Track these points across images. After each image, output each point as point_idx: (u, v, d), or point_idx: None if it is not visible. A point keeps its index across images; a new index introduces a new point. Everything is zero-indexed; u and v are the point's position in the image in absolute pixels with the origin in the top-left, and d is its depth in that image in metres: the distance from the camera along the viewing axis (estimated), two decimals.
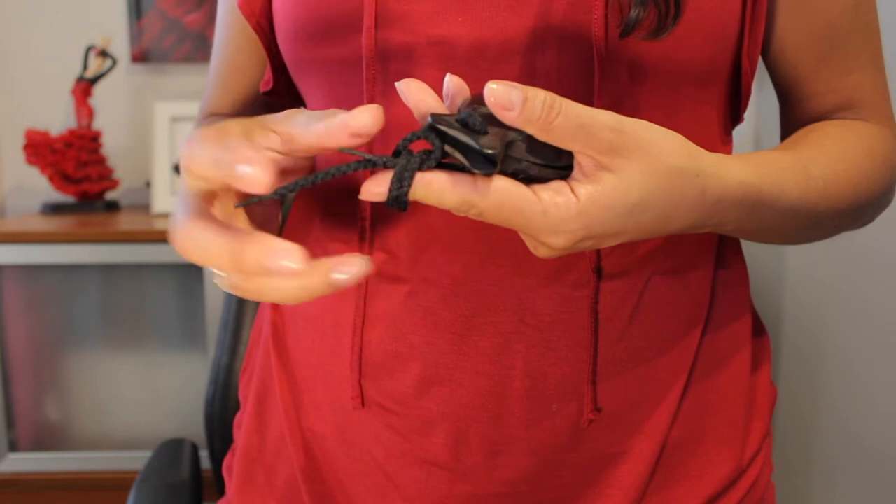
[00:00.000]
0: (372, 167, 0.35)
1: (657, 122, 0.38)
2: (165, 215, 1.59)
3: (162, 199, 1.62)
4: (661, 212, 0.37)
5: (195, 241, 0.37)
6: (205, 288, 1.42)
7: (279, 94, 0.58)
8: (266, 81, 0.57)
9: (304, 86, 0.52)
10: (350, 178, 0.49)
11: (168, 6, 1.75)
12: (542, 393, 0.48)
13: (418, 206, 0.45)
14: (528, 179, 0.36)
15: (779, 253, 1.30)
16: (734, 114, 0.53)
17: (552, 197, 0.35)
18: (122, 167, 1.76)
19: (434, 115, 0.34)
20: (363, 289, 0.50)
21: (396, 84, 0.36)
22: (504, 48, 0.44)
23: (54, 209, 1.64)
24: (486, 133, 0.33)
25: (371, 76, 0.46)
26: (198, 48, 1.76)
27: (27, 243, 1.39)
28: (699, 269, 0.52)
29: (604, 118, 0.35)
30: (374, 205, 0.49)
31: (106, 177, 1.68)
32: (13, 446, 1.48)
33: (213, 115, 0.61)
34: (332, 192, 0.52)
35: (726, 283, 0.54)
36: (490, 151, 0.33)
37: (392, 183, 0.34)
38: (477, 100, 0.36)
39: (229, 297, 0.90)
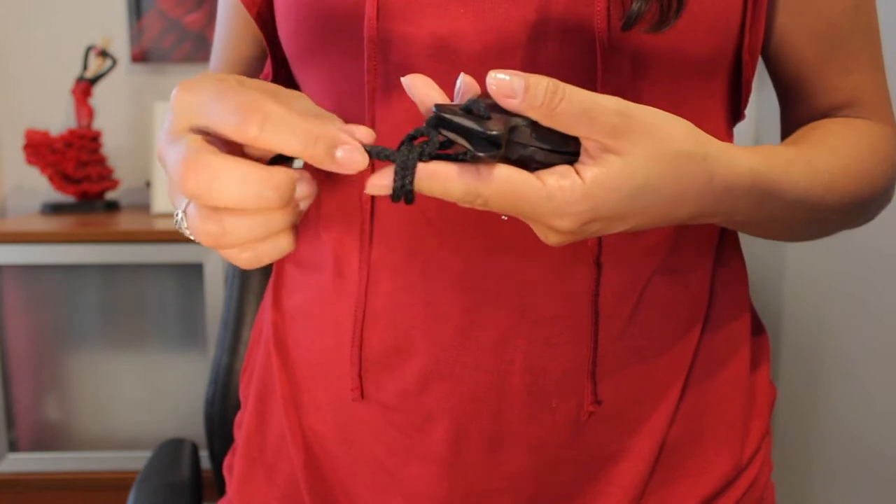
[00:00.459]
0: (375, 158, 0.36)
1: None
2: (166, 215, 1.59)
3: (162, 199, 1.62)
4: (668, 196, 0.38)
5: (224, 159, 0.34)
6: (205, 288, 1.42)
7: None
8: (266, 74, 0.57)
9: (304, 77, 0.52)
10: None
11: (168, 6, 1.75)
12: (542, 388, 0.48)
13: (419, 200, 0.45)
14: (537, 166, 0.36)
15: (778, 252, 1.30)
16: (735, 109, 0.53)
17: (557, 181, 0.35)
18: (122, 167, 1.76)
19: (438, 105, 0.35)
20: (363, 283, 0.50)
21: (402, 79, 0.37)
22: (506, 40, 0.44)
23: (54, 209, 1.64)
24: (489, 118, 0.34)
25: (372, 67, 0.46)
26: (198, 48, 1.76)
27: (27, 243, 1.39)
28: (699, 268, 0.52)
29: (609, 103, 0.35)
30: (374, 199, 0.49)
31: (106, 177, 1.68)
32: (13, 446, 1.48)
33: None
34: (331, 185, 0.52)
35: (725, 282, 0.54)
36: (493, 133, 0.33)
37: (396, 174, 0.35)
38: (484, 96, 0.36)
39: (229, 297, 0.90)
